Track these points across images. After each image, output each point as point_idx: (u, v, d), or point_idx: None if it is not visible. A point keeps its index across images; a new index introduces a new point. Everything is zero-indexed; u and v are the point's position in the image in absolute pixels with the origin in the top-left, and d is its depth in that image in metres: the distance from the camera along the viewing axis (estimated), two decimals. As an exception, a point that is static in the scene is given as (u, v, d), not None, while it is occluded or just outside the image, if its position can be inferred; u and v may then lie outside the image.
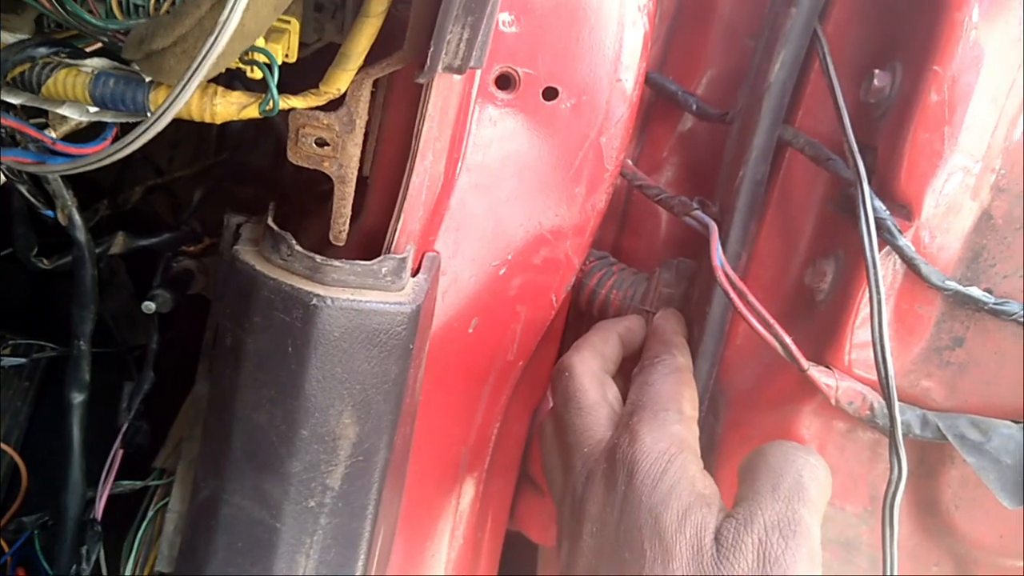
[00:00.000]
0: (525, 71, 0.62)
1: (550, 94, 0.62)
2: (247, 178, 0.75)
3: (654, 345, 0.62)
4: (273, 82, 0.42)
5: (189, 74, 0.37)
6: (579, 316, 0.75)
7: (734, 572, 0.44)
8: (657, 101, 0.74)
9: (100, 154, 0.40)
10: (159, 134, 1.00)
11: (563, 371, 0.61)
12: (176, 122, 0.98)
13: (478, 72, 0.60)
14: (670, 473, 0.49)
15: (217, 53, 0.36)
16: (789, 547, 0.44)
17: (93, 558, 0.60)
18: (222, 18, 0.35)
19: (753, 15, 0.69)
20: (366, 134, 0.55)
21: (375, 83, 0.53)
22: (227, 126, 0.80)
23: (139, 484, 0.64)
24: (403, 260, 0.53)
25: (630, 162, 0.71)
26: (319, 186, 0.62)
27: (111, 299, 0.79)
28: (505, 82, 0.62)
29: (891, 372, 0.47)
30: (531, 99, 0.62)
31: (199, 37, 0.38)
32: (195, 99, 0.43)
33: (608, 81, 0.62)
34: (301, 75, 0.49)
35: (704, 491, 0.49)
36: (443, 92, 0.54)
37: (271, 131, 0.75)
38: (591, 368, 0.60)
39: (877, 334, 0.48)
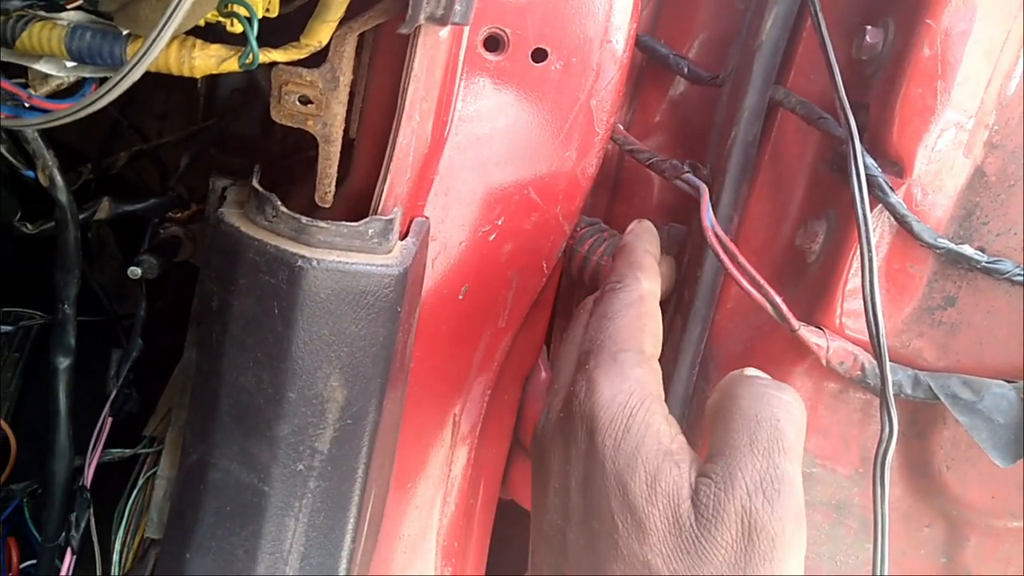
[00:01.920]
0: (514, 32, 0.61)
1: (539, 56, 0.61)
2: (235, 147, 0.74)
3: (619, 265, 0.55)
4: (253, 34, 0.42)
5: (163, 22, 0.36)
6: (571, 283, 0.74)
7: (718, 543, 0.41)
8: (648, 65, 0.73)
9: (75, 107, 0.39)
10: (148, 104, 0.98)
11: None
12: (166, 92, 0.97)
13: (466, 33, 0.59)
14: (633, 430, 0.44)
15: (191, 1, 0.35)
16: (776, 510, 0.41)
17: (83, 525, 0.60)
18: (196, -37, 0.35)
19: (746, -23, 0.68)
20: (352, 95, 0.54)
21: (360, 42, 0.52)
22: (215, 94, 0.80)
23: (129, 452, 0.64)
24: (390, 222, 0.52)
25: (621, 127, 0.71)
26: (307, 152, 0.61)
27: (101, 270, 0.79)
28: (494, 43, 0.61)
29: (882, 331, 0.47)
30: (520, 61, 0.61)
31: (174, -15, 0.37)
32: (173, 52, 0.42)
33: (598, 42, 0.62)
34: (286, 33, 0.48)
35: (672, 446, 0.44)
36: (429, 51, 0.53)
37: (258, 98, 0.74)
38: (585, 308, 0.55)
39: (868, 292, 0.48)
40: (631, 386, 0.47)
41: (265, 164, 0.63)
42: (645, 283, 0.53)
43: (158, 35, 0.37)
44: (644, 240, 0.57)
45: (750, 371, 0.47)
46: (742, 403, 0.44)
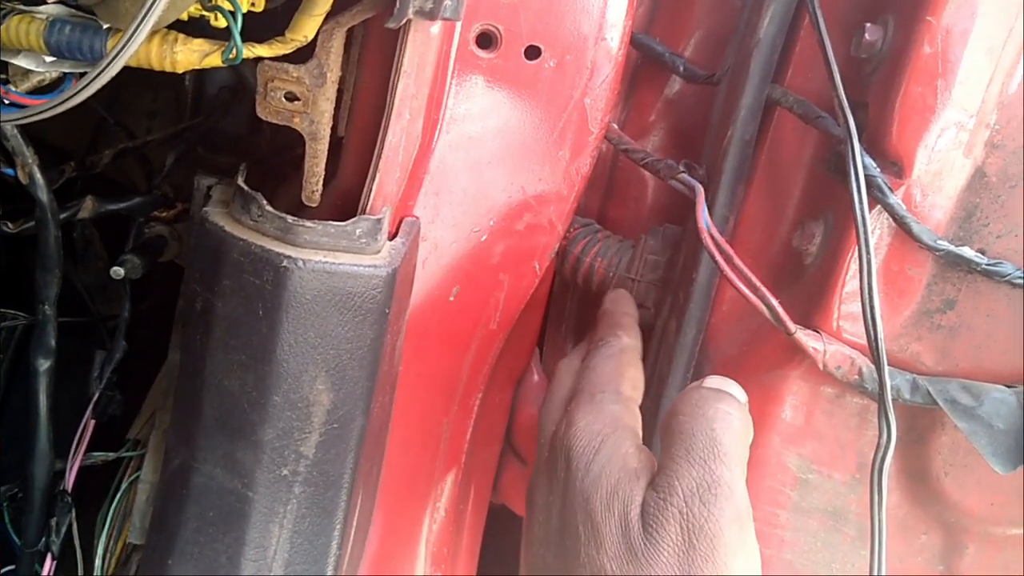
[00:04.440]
0: (507, 29, 0.60)
1: (532, 53, 0.60)
2: (222, 145, 0.73)
3: (601, 327, 0.61)
4: (236, 28, 0.41)
5: (142, 15, 0.35)
6: (563, 284, 0.73)
7: (661, 546, 0.44)
8: (644, 64, 0.72)
9: (51, 103, 0.38)
10: (136, 102, 0.97)
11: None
12: (154, 90, 0.95)
13: (457, 29, 0.58)
14: (602, 453, 0.48)
15: (170, -8, 0.34)
16: (712, 513, 0.43)
17: (63, 530, 0.59)
18: (174, -46, 0.34)
19: (743, -25, 0.67)
20: (341, 92, 0.53)
21: (349, 37, 0.51)
22: (203, 92, 0.78)
23: (112, 455, 0.63)
24: (378, 222, 0.51)
25: (615, 126, 0.70)
26: (295, 150, 0.60)
27: (86, 269, 0.77)
28: (486, 40, 0.60)
29: (880, 334, 0.46)
30: (513, 58, 0.60)
31: (153, -23, 0.36)
32: (155, 46, 0.41)
33: (593, 40, 0.61)
34: (272, 28, 0.47)
35: (636, 466, 0.48)
36: (420, 48, 0.52)
37: (246, 96, 0.73)
38: (568, 364, 0.60)
39: (866, 295, 0.47)
40: (605, 418, 0.51)
41: (253, 163, 0.62)
42: (625, 339, 0.59)
43: (137, 29, 0.36)
44: (622, 304, 0.64)
45: (706, 380, 0.50)
46: (681, 418, 0.48)
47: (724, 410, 0.47)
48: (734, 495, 0.44)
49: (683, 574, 0.43)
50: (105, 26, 0.41)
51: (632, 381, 0.55)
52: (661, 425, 0.49)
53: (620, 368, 0.56)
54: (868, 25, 0.52)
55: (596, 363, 0.56)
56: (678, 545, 0.43)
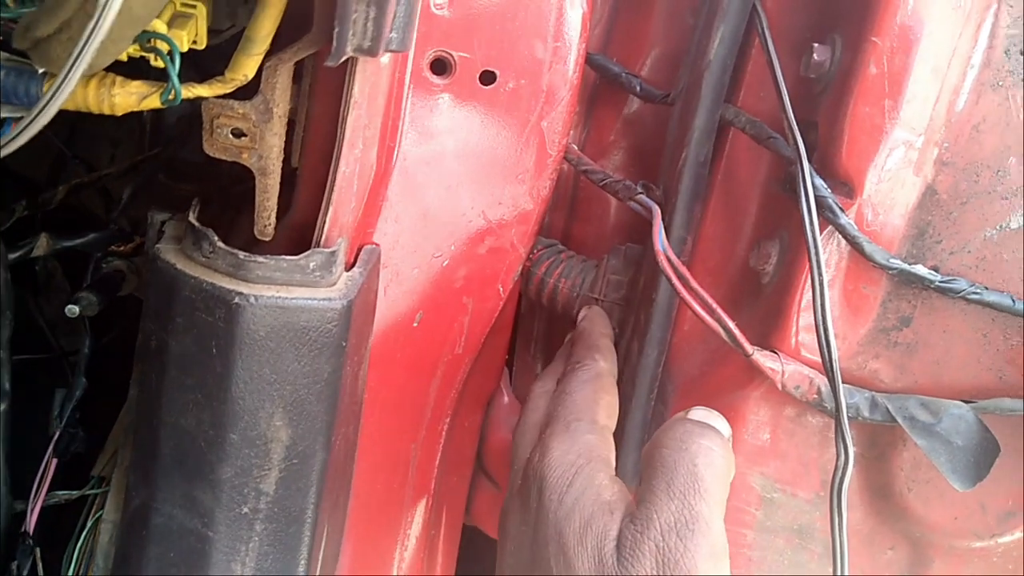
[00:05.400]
0: (461, 55, 0.60)
1: (488, 78, 0.60)
2: (183, 174, 0.73)
3: (577, 350, 0.61)
4: (174, 71, 0.40)
5: (71, 61, 0.34)
6: (530, 305, 0.73)
7: None
8: (602, 84, 0.72)
9: (-15, 150, 0.37)
10: (100, 130, 0.96)
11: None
12: (116, 119, 0.95)
13: (410, 57, 0.58)
14: (576, 485, 0.48)
15: (100, 39, 0.34)
16: (688, 548, 0.43)
17: (24, 573, 0.58)
18: (102, 1, 0.33)
19: (697, -8, 0.67)
20: (292, 123, 0.53)
21: (299, 69, 0.51)
22: (162, 121, 0.78)
23: (76, 494, 0.62)
24: (332, 254, 0.51)
25: (575, 147, 0.70)
26: (253, 181, 0.60)
27: (48, 303, 0.77)
28: (440, 67, 0.60)
29: (835, 355, 0.46)
30: (468, 84, 0.60)
31: (83, 23, 0.35)
32: (92, 89, 0.41)
33: (547, 63, 0.61)
34: (221, 63, 0.47)
35: (610, 499, 0.47)
36: (370, 77, 0.52)
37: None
38: (541, 387, 0.60)
39: (820, 315, 0.47)
40: (580, 448, 0.51)
41: (214, 191, 0.62)
42: (602, 362, 0.58)
43: (68, 74, 0.36)
44: (598, 325, 0.63)
45: (692, 413, 0.50)
46: (664, 451, 0.47)
47: (707, 446, 0.47)
48: (711, 531, 0.44)
49: None
50: (41, 71, 0.41)
51: (607, 408, 0.55)
52: (644, 456, 0.50)
53: (596, 395, 0.55)
54: (816, 45, 0.52)
55: (572, 388, 0.56)
56: None
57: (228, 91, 0.43)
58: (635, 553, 0.44)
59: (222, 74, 0.45)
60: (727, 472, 0.47)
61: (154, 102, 0.41)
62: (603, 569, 0.44)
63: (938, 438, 0.49)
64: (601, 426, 0.53)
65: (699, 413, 0.49)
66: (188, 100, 0.42)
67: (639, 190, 0.61)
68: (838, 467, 0.45)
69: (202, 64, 0.48)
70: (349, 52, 0.41)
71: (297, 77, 0.51)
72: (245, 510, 0.51)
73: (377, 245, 0.60)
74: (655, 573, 0.43)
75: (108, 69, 0.43)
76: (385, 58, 0.52)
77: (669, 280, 0.52)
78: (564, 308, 0.68)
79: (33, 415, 0.66)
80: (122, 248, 0.64)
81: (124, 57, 0.41)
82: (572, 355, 0.60)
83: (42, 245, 0.60)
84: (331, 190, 0.52)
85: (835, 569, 0.46)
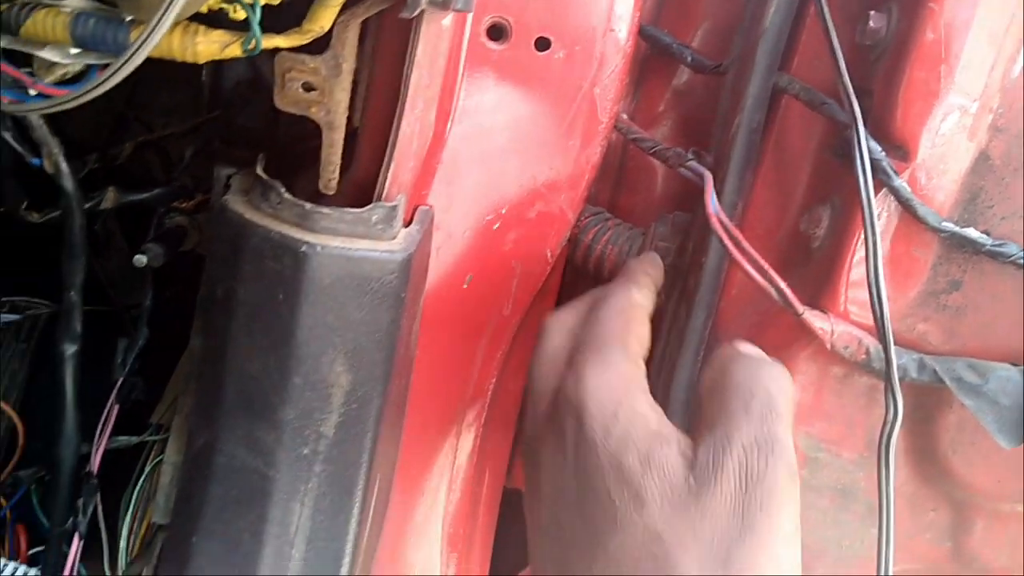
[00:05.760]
0: (517, 21, 0.61)
1: (543, 44, 0.61)
2: (239, 139, 0.74)
3: (616, 281, 0.59)
4: (255, 19, 0.42)
5: (164, 8, 0.36)
6: (575, 272, 0.74)
7: (717, 498, 0.43)
8: (652, 55, 0.73)
9: (76, 93, 0.39)
10: (154, 100, 0.98)
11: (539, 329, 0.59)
12: (171, 88, 0.97)
13: (469, 21, 0.59)
14: (621, 416, 0.48)
15: (193, -16, 0.36)
16: (770, 467, 0.44)
17: (89, 511, 0.60)
18: (196, -53, 0.35)
19: (750, -35, 0.68)
20: (356, 84, 0.55)
21: (364, 30, 0.52)
22: (219, 86, 0.80)
23: (135, 439, 0.64)
24: (394, 208, 0.52)
25: (625, 116, 0.71)
26: (311, 143, 0.61)
27: (108, 261, 0.79)
28: (497, 32, 0.61)
29: (886, 312, 0.47)
30: (523, 50, 0.61)
31: (176, -30, 0.37)
32: (176, 38, 0.43)
33: (601, 30, 0.62)
34: (290, 20, 0.48)
35: (660, 429, 0.48)
36: (432, 39, 0.53)
37: (263, 90, 0.74)
38: (558, 320, 0.59)
39: (872, 276, 0.48)
40: (617, 377, 0.50)
41: (270, 155, 0.64)
42: (637, 294, 0.57)
43: (159, 20, 0.37)
44: (646, 263, 0.62)
45: (743, 347, 0.50)
46: (736, 377, 0.48)
47: (777, 375, 0.48)
48: (788, 452, 0.45)
49: (735, 531, 0.43)
50: (128, 18, 0.42)
51: (639, 338, 0.54)
52: (707, 383, 0.50)
53: (629, 324, 0.54)
54: (872, 13, 0.53)
55: (604, 316, 0.54)
56: (735, 495, 0.44)
57: (305, 42, 0.45)
58: (717, 472, 0.44)
59: (288, 29, 0.47)
60: (793, 399, 0.47)
61: (235, 51, 0.43)
62: (677, 494, 0.44)
63: (985, 398, 0.50)
64: (633, 352, 0.52)
65: (748, 347, 0.50)
66: (267, 50, 0.44)
67: (690, 157, 0.62)
68: (887, 421, 0.46)
69: (264, 22, 0.50)
70: (423, 4, 0.43)
71: (361, 39, 0.53)
72: (305, 451, 0.52)
73: (431, 207, 0.61)
74: (737, 489, 0.43)
75: (189, 19, 0.44)
76: (446, 20, 0.53)
77: (721, 241, 0.53)
78: (611, 275, 0.70)
79: (94, 367, 0.68)
80: (184, 204, 0.67)
81: (204, 9, 0.43)
82: (610, 285, 0.59)
83: (110, 198, 0.62)
84: (392, 147, 0.53)
85: (881, 522, 0.47)
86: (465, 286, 0.65)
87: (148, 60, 0.43)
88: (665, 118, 0.73)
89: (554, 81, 0.62)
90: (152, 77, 0.91)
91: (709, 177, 0.57)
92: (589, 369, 0.50)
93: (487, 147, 0.63)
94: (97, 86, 0.41)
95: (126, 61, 0.40)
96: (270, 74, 0.51)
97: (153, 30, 0.38)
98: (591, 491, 0.47)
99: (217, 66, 0.78)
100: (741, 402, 0.46)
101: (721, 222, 0.53)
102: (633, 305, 0.56)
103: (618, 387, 0.49)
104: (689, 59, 0.68)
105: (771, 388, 0.47)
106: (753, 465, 0.44)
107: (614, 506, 0.46)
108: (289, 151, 0.71)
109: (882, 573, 0.46)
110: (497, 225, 0.65)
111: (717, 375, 0.49)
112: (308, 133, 0.55)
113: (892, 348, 0.47)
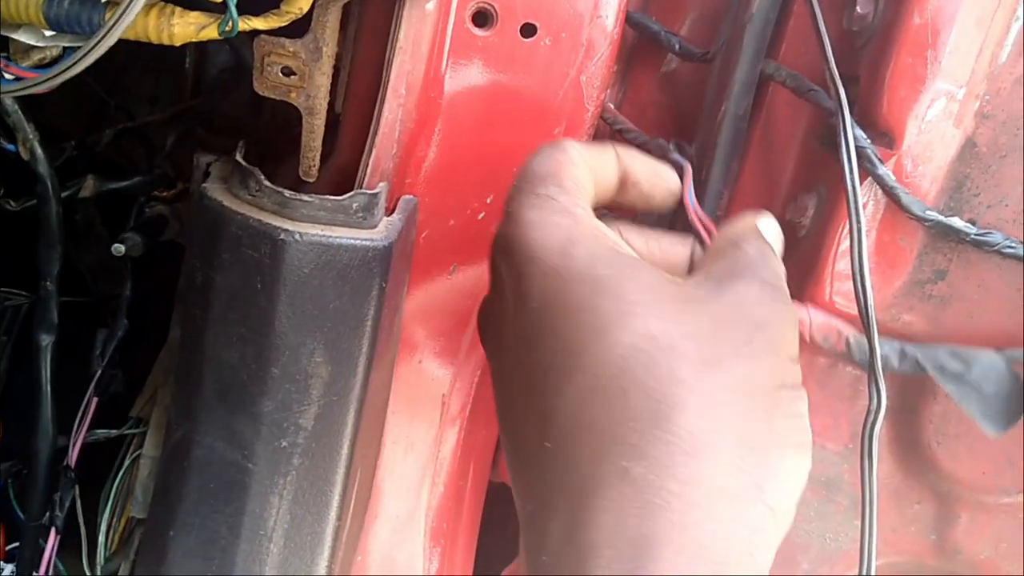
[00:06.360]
0: (502, 6, 0.60)
1: (528, 31, 0.61)
2: (221, 127, 0.74)
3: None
4: (232, 1, 0.41)
5: (137, -15, 0.35)
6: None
7: (717, 301, 0.39)
8: (640, 44, 0.72)
9: (50, 73, 0.38)
10: (137, 88, 0.97)
11: None
12: (154, 76, 0.96)
13: (453, 6, 0.59)
14: (579, 239, 0.40)
15: (165, -38, 0.35)
16: (775, 299, 0.39)
17: (67, 505, 0.60)
18: (168, -77, 0.34)
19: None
20: (337, 69, 0.54)
21: (345, 14, 0.52)
22: (202, 74, 0.79)
23: (114, 432, 0.63)
24: (375, 196, 0.52)
25: (611, 105, 0.70)
26: (293, 130, 0.61)
27: (88, 251, 0.78)
28: (482, 19, 0.61)
29: (871, 300, 0.46)
30: (509, 36, 0.61)
31: (148, -52, 0.36)
32: (152, 19, 0.42)
33: (588, 17, 0.61)
34: (269, 4, 0.48)
35: (630, 251, 0.42)
36: (415, 23, 0.52)
37: (246, 78, 0.74)
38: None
39: (857, 265, 0.47)
40: (559, 209, 0.42)
41: (252, 143, 0.63)
42: (574, 151, 0.46)
43: (130, 2, 0.37)
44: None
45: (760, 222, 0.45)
46: (723, 234, 0.45)
47: (766, 224, 0.44)
48: (786, 290, 0.41)
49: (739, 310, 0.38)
50: (103, 0, 0.42)
51: (576, 182, 0.44)
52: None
53: (561, 167, 0.44)
54: (859, -2, 0.52)
55: (532, 161, 0.45)
56: (737, 304, 0.39)
57: (283, 24, 0.44)
58: (721, 283, 0.40)
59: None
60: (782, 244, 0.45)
61: (212, 32, 0.42)
62: (672, 295, 0.39)
63: (969, 386, 0.50)
64: (571, 191, 0.43)
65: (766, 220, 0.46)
66: (244, 33, 0.43)
67: (672, 148, 0.61)
68: (870, 411, 0.46)
69: (241, 5, 0.49)
70: (404, -16, 0.42)
71: (343, 24, 0.52)
72: (284, 444, 0.52)
73: (415, 196, 0.60)
74: (739, 304, 0.39)
75: (165, 1, 0.44)
76: (431, 4, 0.53)
77: (698, 236, 0.53)
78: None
79: (73, 358, 0.67)
80: (165, 193, 0.66)
81: (181, -10, 0.43)
82: None
83: (89, 186, 0.61)
84: (374, 133, 0.52)
85: (864, 514, 0.47)
86: (450, 276, 0.65)
87: (128, 45, 0.42)
88: (653, 106, 0.73)
89: (540, 68, 0.62)
90: (136, 65, 0.90)
91: (688, 169, 0.57)
92: (525, 210, 0.42)
93: (472, 136, 0.62)
94: (68, 68, 0.40)
95: (98, 42, 0.39)
96: (251, 58, 0.50)
97: (125, 11, 0.38)
98: (559, 316, 0.39)
99: (201, 53, 0.77)
100: (731, 243, 0.43)
101: (698, 216, 0.52)
102: (567, 153, 0.45)
103: (564, 221, 0.41)
104: (677, 47, 0.68)
105: (763, 230, 0.44)
106: (755, 247, 0.42)
107: (589, 320, 0.38)
108: (272, 139, 0.71)
109: (865, 565, 0.45)
110: (482, 215, 0.64)
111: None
112: (291, 121, 0.55)
113: (876, 336, 0.46)
